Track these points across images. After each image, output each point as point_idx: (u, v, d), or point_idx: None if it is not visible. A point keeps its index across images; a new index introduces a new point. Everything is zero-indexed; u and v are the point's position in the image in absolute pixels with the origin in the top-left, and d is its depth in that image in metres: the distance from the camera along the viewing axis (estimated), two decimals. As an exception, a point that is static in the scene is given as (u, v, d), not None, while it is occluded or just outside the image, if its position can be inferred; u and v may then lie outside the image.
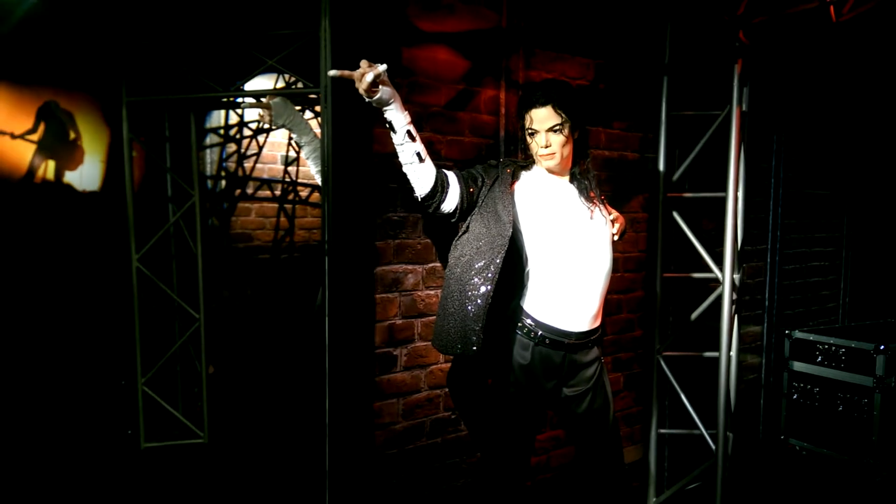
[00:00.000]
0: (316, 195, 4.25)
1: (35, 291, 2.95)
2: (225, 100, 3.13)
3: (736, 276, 2.80)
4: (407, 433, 2.37)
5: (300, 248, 4.24)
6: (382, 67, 1.67)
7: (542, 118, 1.90)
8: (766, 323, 3.79)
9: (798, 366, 3.67)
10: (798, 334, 3.69)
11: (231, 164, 3.97)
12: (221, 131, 3.90)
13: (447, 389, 2.44)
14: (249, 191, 4.05)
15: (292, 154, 4.17)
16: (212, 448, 3.06)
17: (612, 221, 2.08)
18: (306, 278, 3.96)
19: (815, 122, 3.94)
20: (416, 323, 2.36)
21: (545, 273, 1.94)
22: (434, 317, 2.34)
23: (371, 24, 2.16)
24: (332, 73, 1.69)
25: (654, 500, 3.07)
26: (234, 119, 3.93)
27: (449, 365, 2.42)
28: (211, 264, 3.31)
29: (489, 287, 1.88)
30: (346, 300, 2.16)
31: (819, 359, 3.58)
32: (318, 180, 2.61)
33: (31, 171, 3.01)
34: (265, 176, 4.10)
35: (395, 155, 1.85)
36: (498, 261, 1.88)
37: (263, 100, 2.66)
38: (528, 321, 1.96)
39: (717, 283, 2.87)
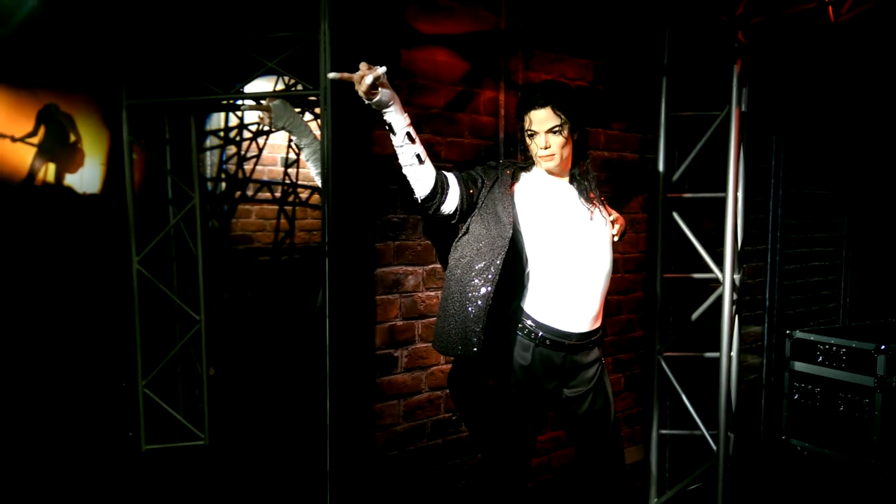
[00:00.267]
0: (316, 197, 4.25)
1: (36, 294, 2.95)
2: (225, 102, 3.13)
3: (736, 277, 2.80)
4: (408, 434, 2.37)
5: (300, 249, 4.24)
6: (382, 69, 1.67)
7: (541, 119, 1.90)
8: (766, 323, 3.79)
9: (799, 366, 3.67)
10: (799, 334, 3.69)
11: (231, 167, 3.97)
12: (221, 133, 3.90)
13: (448, 391, 2.45)
14: (249, 193, 4.06)
15: (292, 156, 4.17)
16: (213, 450, 3.05)
17: (612, 222, 2.08)
18: (307, 280, 3.96)
19: (814, 122, 3.95)
20: (416, 324, 2.36)
21: (545, 274, 1.94)
22: (434, 318, 2.34)
23: (370, 26, 2.17)
24: (331, 75, 1.70)
25: (656, 500, 3.06)
26: (234, 121, 3.93)
27: (449, 366, 2.42)
28: (211, 266, 3.31)
29: (489, 288, 1.88)
30: (346, 302, 2.16)
31: (820, 359, 3.58)
32: (318, 182, 2.61)
33: (32, 174, 3.01)
34: (265, 178, 4.11)
35: (394, 157, 1.85)
36: (498, 262, 1.88)
37: (263, 102, 2.66)
38: (529, 322, 1.96)
39: (717, 283, 2.87)
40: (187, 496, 2.73)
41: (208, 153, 3.84)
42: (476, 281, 1.89)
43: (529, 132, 1.95)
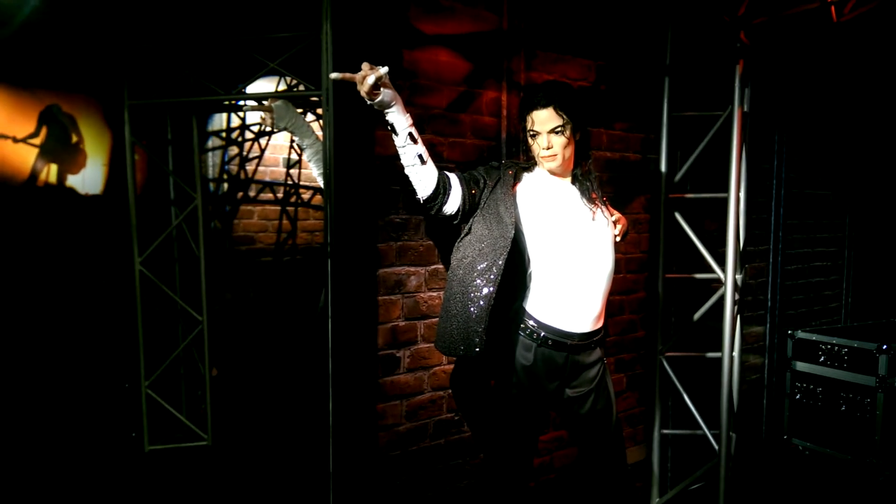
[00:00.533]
0: (318, 198, 4.26)
1: (39, 295, 2.96)
2: (227, 103, 3.13)
3: (738, 277, 2.80)
4: (410, 434, 2.37)
5: (302, 250, 4.24)
6: (384, 70, 1.67)
7: (543, 120, 1.90)
8: (768, 323, 3.79)
9: (801, 366, 3.67)
10: (801, 334, 3.69)
11: (233, 167, 3.97)
12: (223, 134, 3.90)
13: (450, 391, 2.45)
14: (252, 193, 4.06)
15: (294, 157, 4.18)
16: (216, 450, 3.06)
17: (615, 222, 2.08)
18: (309, 281, 3.96)
19: (816, 122, 3.94)
20: (418, 325, 2.36)
21: (547, 274, 1.95)
22: (437, 318, 2.34)
23: (372, 26, 2.17)
24: (333, 75, 1.70)
25: (658, 500, 3.06)
26: (236, 122, 3.94)
27: (452, 366, 2.43)
28: (213, 267, 3.31)
29: (492, 288, 1.88)
30: (348, 302, 2.16)
31: (822, 359, 3.58)
32: (321, 183, 2.61)
33: (34, 174, 3.02)
34: (267, 179, 4.11)
35: (396, 157, 1.85)
36: (500, 262, 1.88)
37: (265, 102, 2.66)
38: (531, 322, 1.96)
39: (719, 283, 2.87)
40: (190, 497, 2.74)
41: (210, 154, 3.85)
42: (478, 281, 1.89)
43: (532, 132, 1.95)
